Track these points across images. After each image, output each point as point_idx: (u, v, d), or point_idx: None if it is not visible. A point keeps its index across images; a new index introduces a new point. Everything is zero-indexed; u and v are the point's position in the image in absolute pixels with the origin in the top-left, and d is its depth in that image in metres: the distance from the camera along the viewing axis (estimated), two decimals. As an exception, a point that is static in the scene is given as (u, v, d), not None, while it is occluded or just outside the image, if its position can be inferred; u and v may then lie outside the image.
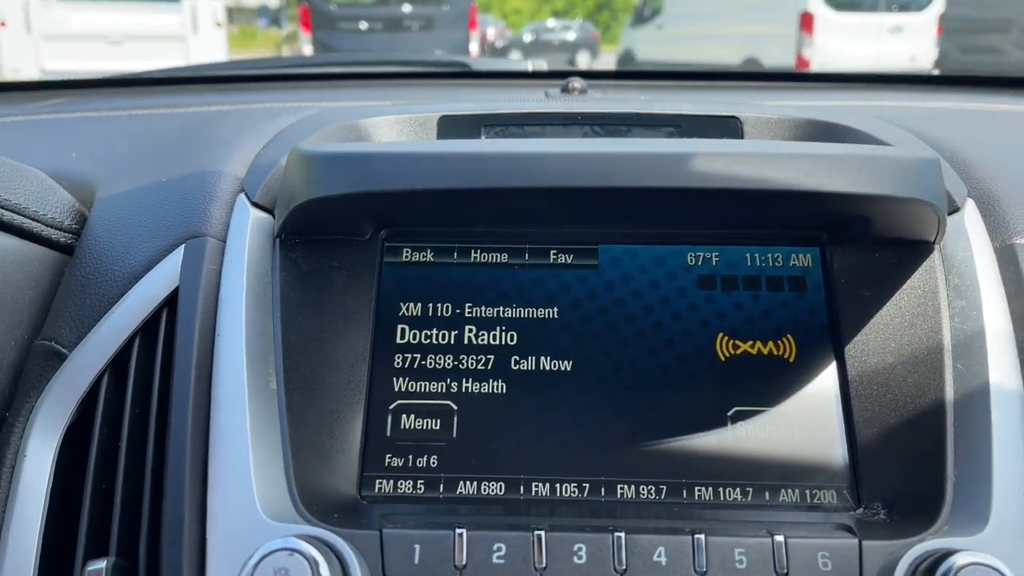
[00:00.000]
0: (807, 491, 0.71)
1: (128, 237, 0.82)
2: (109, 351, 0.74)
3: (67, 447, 0.72)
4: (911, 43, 9.66)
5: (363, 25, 10.59)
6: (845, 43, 9.37)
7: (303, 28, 10.64)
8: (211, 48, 9.82)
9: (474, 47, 10.70)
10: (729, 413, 0.74)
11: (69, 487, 0.70)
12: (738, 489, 0.71)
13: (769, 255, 0.80)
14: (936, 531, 0.63)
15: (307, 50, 10.49)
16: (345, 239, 0.79)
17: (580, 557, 0.62)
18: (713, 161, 0.67)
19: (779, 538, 0.62)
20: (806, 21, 9.50)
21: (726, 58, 10.37)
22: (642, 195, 0.69)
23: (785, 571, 0.61)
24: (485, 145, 0.72)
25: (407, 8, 10.58)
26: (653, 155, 0.68)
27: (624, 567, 0.61)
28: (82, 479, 0.69)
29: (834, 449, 0.72)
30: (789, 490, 0.71)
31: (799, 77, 1.77)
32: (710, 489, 0.71)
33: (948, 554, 0.57)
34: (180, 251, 0.78)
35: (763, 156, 0.67)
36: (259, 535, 0.60)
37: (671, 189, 0.67)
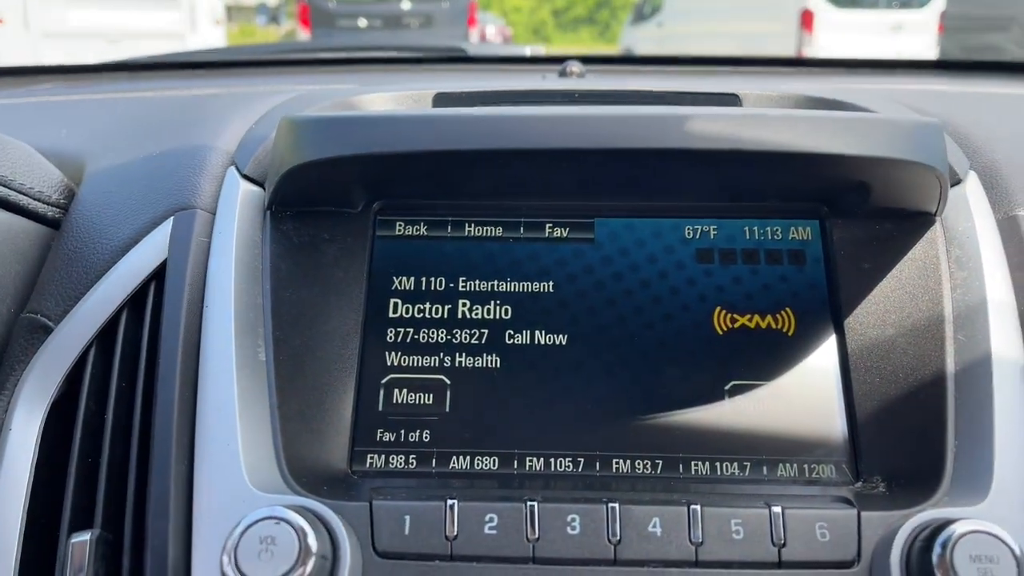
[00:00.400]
0: (806, 465, 0.70)
1: (116, 210, 0.81)
2: (96, 324, 0.73)
3: (53, 420, 0.70)
4: (912, 41, 9.63)
5: (362, 22, 10.57)
6: (845, 41, 9.35)
7: (302, 25, 10.62)
8: (210, 46, 9.80)
9: (474, 40, 10.68)
10: (727, 387, 0.73)
11: (55, 460, 0.69)
12: (736, 463, 0.70)
13: (768, 228, 0.78)
14: (936, 502, 0.62)
15: (303, 38, 10.46)
16: (337, 211, 0.77)
17: (574, 528, 0.60)
18: (710, 123, 0.65)
19: (776, 509, 0.61)
20: (806, 19, 9.48)
21: (727, 54, 10.35)
22: (638, 159, 0.67)
23: (783, 542, 0.60)
24: (476, 110, 0.70)
25: (406, 5, 10.56)
26: (649, 116, 0.67)
27: (618, 538, 0.60)
28: (68, 452, 0.68)
29: (833, 423, 0.71)
30: (787, 464, 0.70)
31: (800, 62, 1.76)
32: (707, 463, 0.70)
33: (947, 523, 0.56)
34: (169, 223, 0.77)
35: (762, 118, 0.66)
36: (246, 505, 0.59)
37: (667, 151, 0.66)
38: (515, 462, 0.71)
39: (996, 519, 0.57)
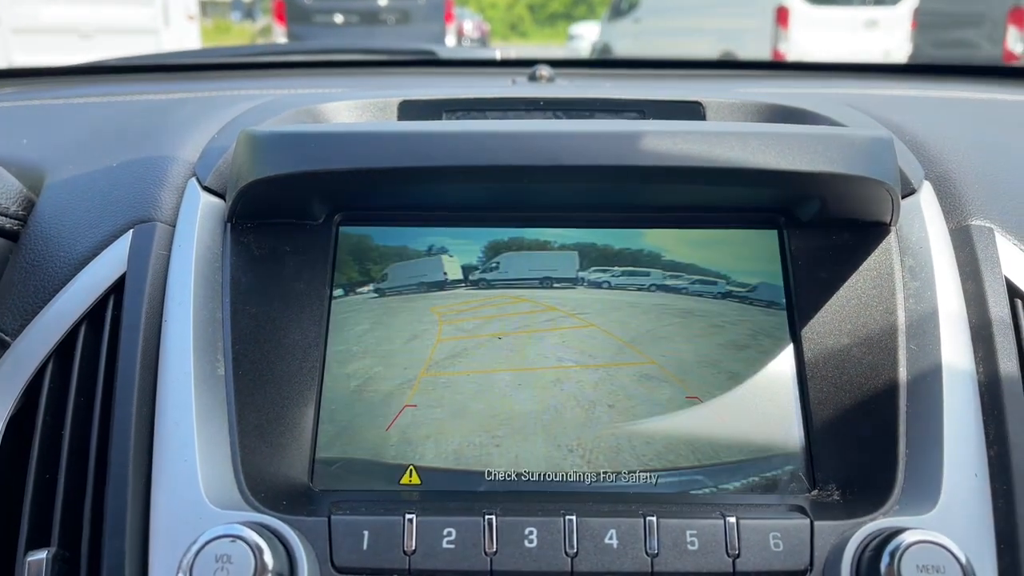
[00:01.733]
0: (763, 474, 0.71)
1: (75, 223, 0.80)
2: (54, 338, 0.72)
3: (10, 436, 0.70)
4: (886, 37, 9.72)
5: (338, 18, 10.50)
6: (820, 37, 9.42)
7: (278, 21, 10.53)
8: (183, 42, 9.70)
9: (451, 40, 10.65)
10: (685, 396, 0.73)
11: (12, 477, 0.69)
12: (694, 472, 0.71)
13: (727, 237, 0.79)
14: (887, 511, 0.63)
15: (280, 40, 10.38)
16: (298, 223, 0.77)
17: (531, 541, 0.61)
18: (663, 140, 0.66)
19: (731, 519, 0.61)
20: (781, 15, 9.54)
21: (703, 52, 10.38)
22: (594, 175, 0.68)
23: (737, 552, 0.61)
24: (427, 125, 0.70)
25: (383, 1, 10.50)
26: (598, 134, 0.67)
27: (575, 550, 0.61)
28: (25, 469, 0.68)
29: (790, 431, 0.72)
30: (745, 473, 0.71)
31: (769, 66, 1.77)
32: (666, 472, 0.71)
33: (897, 532, 0.57)
34: (128, 236, 0.76)
35: (713, 136, 0.67)
36: (203, 523, 0.59)
37: (622, 168, 0.66)
38: (475, 475, 0.71)
39: (944, 528, 0.58)
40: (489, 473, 0.71)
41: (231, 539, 0.56)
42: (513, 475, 0.71)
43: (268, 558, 0.56)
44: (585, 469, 0.71)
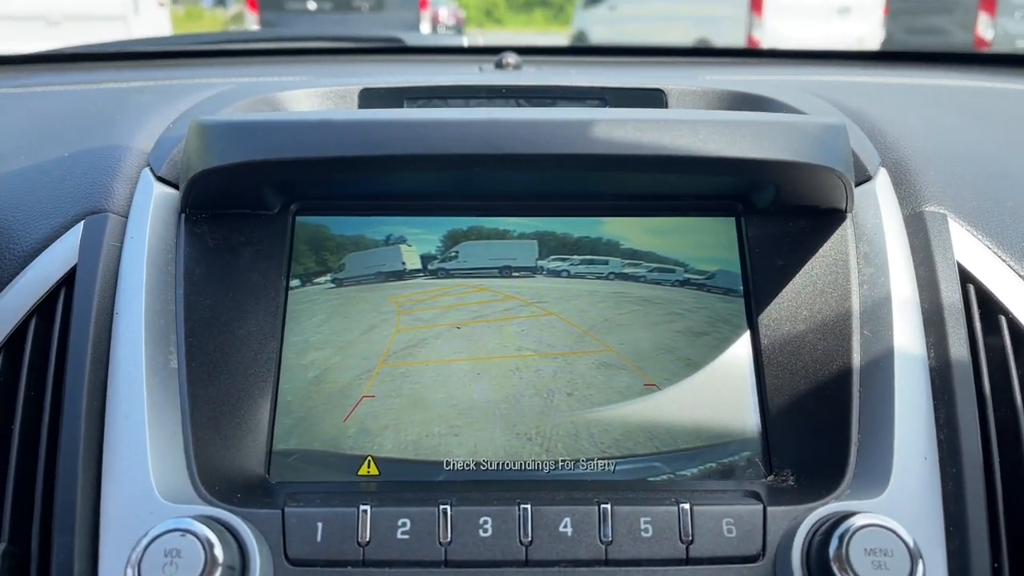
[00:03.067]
0: (720, 460, 0.71)
1: (25, 214, 0.79)
2: (3, 332, 0.71)
3: None
4: (859, 24, 9.78)
5: (311, 5, 10.40)
6: (794, 24, 9.46)
7: (250, 7, 10.40)
8: (154, 29, 9.56)
9: (425, 27, 10.58)
10: (643, 383, 0.74)
11: None
12: (652, 459, 0.71)
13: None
14: (839, 495, 0.63)
15: (253, 26, 10.26)
16: (252, 213, 0.76)
17: (486, 531, 0.61)
18: (614, 128, 0.66)
19: (685, 506, 0.62)
20: (756, 2, 9.56)
21: (678, 40, 10.40)
22: (541, 163, 0.68)
23: (690, 539, 0.61)
24: (377, 113, 0.70)
25: (357, -12, 10.41)
26: (549, 122, 0.67)
27: (530, 539, 0.61)
28: None
29: (747, 418, 0.72)
30: (702, 459, 0.71)
31: (737, 53, 1.78)
32: (624, 460, 0.71)
33: (846, 516, 0.58)
34: (79, 227, 0.75)
35: (664, 123, 0.67)
36: (154, 517, 0.58)
37: (577, 156, 0.66)
38: (434, 466, 0.71)
39: (894, 512, 0.59)
40: (448, 463, 0.71)
41: (181, 533, 0.55)
42: (472, 464, 0.71)
43: (219, 552, 0.55)
44: (543, 457, 0.71)
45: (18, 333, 0.71)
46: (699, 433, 0.72)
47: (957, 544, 0.61)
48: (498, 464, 0.71)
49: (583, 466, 0.71)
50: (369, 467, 0.71)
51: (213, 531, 0.56)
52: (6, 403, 0.69)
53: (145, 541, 0.55)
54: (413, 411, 0.73)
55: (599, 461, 0.71)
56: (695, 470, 0.71)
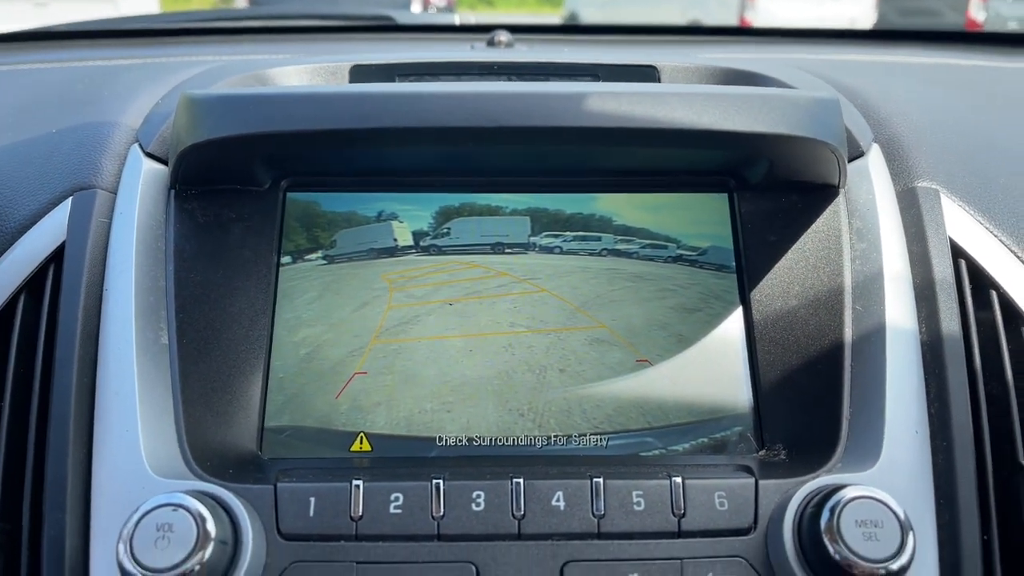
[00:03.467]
0: (712, 435, 0.72)
1: (13, 191, 0.78)
2: None
3: None
4: (851, 5, 9.75)
5: (301, -16, 10.29)
6: (786, 5, 9.42)
7: (238, -13, 10.29)
8: (143, 7, 9.45)
9: (416, 7, 10.48)
10: (636, 359, 0.74)
11: None
12: (644, 435, 0.71)
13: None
14: (830, 468, 0.64)
15: (241, 6, 10.15)
16: (242, 189, 0.76)
17: (478, 504, 0.61)
18: (607, 101, 0.65)
19: (677, 480, 0.62)
20: (748, -18, 9.52)
21: (669, 19, 10.35)
22: (533, 136, 0.67)
23: (682, 512, 0.61)
24: (367, 86, 0.69)
25: (348, -34, 10.29)
26: (541, 95, 0.66)
27: (522, 513, 0.61)
28: None
29: (739, 393, 0.72)
30: (694, 434, 0.71)
31: (729, 31, 1.77)
32: (616, 435, 0.71)
33: (837, 489, 0.58)
34: (68, 204, 0.74)
35: (658, 96, 0.66)
36: (146, 492, 0.58)
37: (560, 129, 0.66)
38: (426, 442, 0.71)
39: (885, 484, 0.59)
40: (440, 439, 0.71)
41: (173, 508, 0.55)
42: (464, 440, 0.71)
43: (211, 526, 0.55)
44: (536, 433, 0.71)
45: (6, 311, 0.71)
46: (691, 408, 0.73)
47: (947, 517, 0.62)
48: (491, 440, 0.71)
49: (576, 441, 0.71)
50: (362, 443, 0.71)
51: (205, 506, 0.56)
52: None
53: (136, 516, 0.55)
54: (405, 387, 0.73)
55: (591, 436, 0.71)
56: (687, 445, 0.71)
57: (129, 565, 0.53)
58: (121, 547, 0.54)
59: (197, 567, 0.54)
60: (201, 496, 0.57)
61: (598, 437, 0.72)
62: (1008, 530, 0.65)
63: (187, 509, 0.55)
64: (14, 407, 0.67)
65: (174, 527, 0.54)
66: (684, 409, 0.73)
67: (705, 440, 0.72)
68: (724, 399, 0.73)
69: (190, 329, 0.70)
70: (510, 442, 0.71)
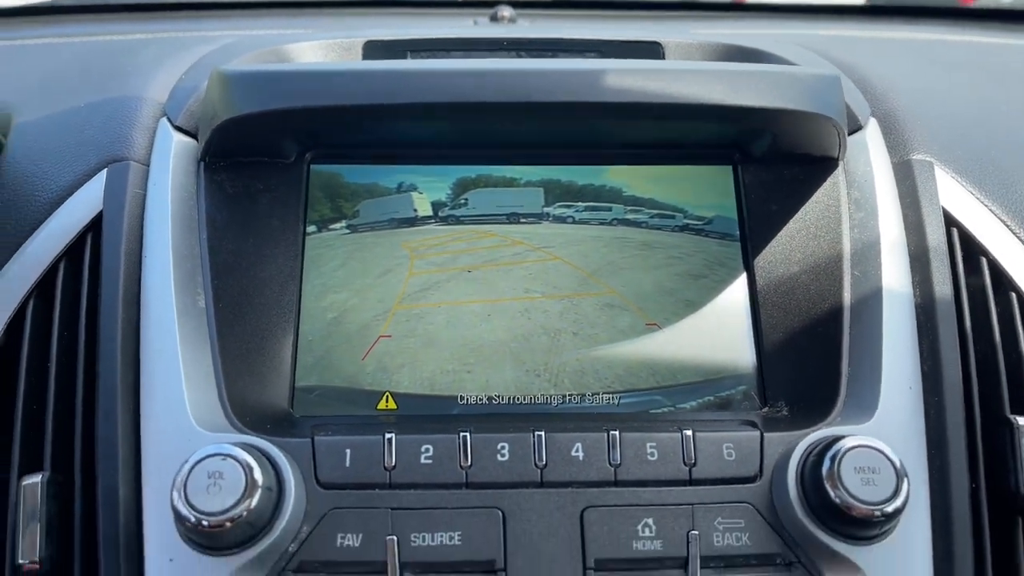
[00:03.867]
0: (718, 394, 0.76)
1: (48, 163, 0.81)
2: (34, 275, 0.74)
3: None
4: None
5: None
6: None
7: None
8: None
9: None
10: (645, 323, 0.78)
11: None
12: (653, 393, 0.76)
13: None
14: (830, 422, 0.68)
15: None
16: (270, 161, 0.79)
17: (503, 455, 0.65)
18: (621, 77, 0.69)
19: (688, 432, 0.66)
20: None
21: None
22: (557, 111, 0.71)
23: (693, 461, 0.66)
24: (397, 63, 0.73)
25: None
26: (559, 72, 0.70)
27: (544, 462, 0.65)
28: (12, 401, 0.70)
29: (743, 354, 0.77)
30: (701, 393, 0.76)
31: (729, 7, 1.79)
32: (627, 394, 0.75)
33: (837, 439, 0.63)
34: (102, 175, 0.78)
35: (668, 72, 0.70)
36: (193, 444, 0.62)
37: (576, 104, 0.69)
38: (449, 400, 0.75)
39: (881, 436, 0.64)
40: (462, 397, 0.75)
41: (222, 457, 0.59)
42: (484, 399, 0.75)
43: (258, 475, 0.59)
44: (552, 392, 0.76)
45: (48, 277, 0.74)
46: (698, 369, 0.77)
47: (938, 465, 0.66)
48: (509, 398, 0.75)
49: (589, 400, 0.75)
50: (387, 402, 0.75)
51: (251, 455, 0.60)
52: (41, 341, 0.72)
53: (188, 465, 0.59)
54: (428, 350, 0.77)
55: (604, 395, 0.76)
56: (694, 403, 0.76)
57: (184, 510, 0.57)
58: (175, 493, 0.58)
59: (245, 512, 0.58)
60: (247, 447, 0.61)
61: (610, 395, 0.76)
62: (995, 478, 0.69)
63: (235, 458, 0.59)
64: (60, 367, 0.70)
65: (224, 475, 0.58)
66: (691, 369, 0.77)
67: (711, 398, 0.76)
68: (729, 360, 0.77)
69: (224, 294, 0.73)
70: (527, 400, 0.75)
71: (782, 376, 0.75)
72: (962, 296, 0.75)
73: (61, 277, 0.74)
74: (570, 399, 0.75)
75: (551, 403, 0.75)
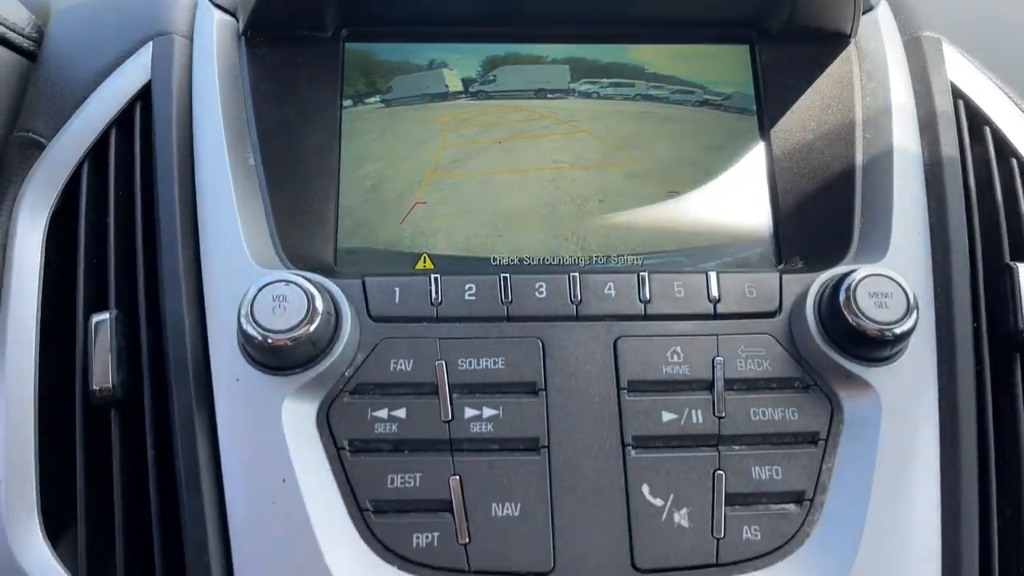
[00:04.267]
0: (736, 254, 0.80)
1: (93, 38, 0.84)
2: (87, 141, 0.77)
3: (55, 231, 0.76)
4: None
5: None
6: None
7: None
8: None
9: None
10: (667, 190, 0.82)
11: (60, 266, 0.75)
12: (675, 254, 0.80)
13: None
14: (845, 263, 0.73)
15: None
16: (308, 36, 0.83)
17: (541, 293, 0.70)
18: None
19: (712, 274, 0.71)
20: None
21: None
22: None
23: (717, 298, 0.70)
24: None
25: None
26: None
27: (579, 299, 0.70)
28: (73, 255, 0.74)
29: (760, 217, 0.81)
30: (720, 254, 0.80)
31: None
32: (651, 255, 0.80)
33: (851, 272, 0.67)
34: (149, 47, 0.81)
35: None
36: (253, 278, 0.66)
37: None
38: (483, 261, 0.79)
39: (893, 269, 0.68)
40: (495, 259, 0.79)
41: (285, 283, 0.63)
42: (516, 260, 0.79)
43: (319, 302, 0.63)
44: (579, 254, 0.80)
45: (100, 143, 0.78)
46: (717, 232, 0.81)
47: (943, 301, 0.71)
48: (539, 260, 0.79)
49: (615, 261, 0.80)
50: (425, 262, 0.79)
51: (313, 284, 0.64)
52: (98, 201, 0.76)
53: (255, 287, 0.63)
54: (461, 217, 0.81)
55: (628, 256, 0.80)
56: (714, 263, 0.80)
57: (251, 329, 0.61)
58: (243, 312, 0.62)
59: (307, 332, 0.62)
60: (306, 278, 0.65)
61: (635, 257, 0.80)
62: (995, 324, 0.74)
63: (298, 285, 0.63)
64: (118, 219, 0.74)
65: (288, 298, 0.62)
66: (711, 233, 0.81)
67: (730, 259, 0.80)
68: (746, 223, 0.81)
69: (271, 158, 0.77)
70: (557, 261, 0.79)
71: (798, 236, 0.79)
72: (967, 162, 0.79)
73: (113, 142, 0.77)
74: (596, 260, 0.80)
75: (579, 264, 0.79)
